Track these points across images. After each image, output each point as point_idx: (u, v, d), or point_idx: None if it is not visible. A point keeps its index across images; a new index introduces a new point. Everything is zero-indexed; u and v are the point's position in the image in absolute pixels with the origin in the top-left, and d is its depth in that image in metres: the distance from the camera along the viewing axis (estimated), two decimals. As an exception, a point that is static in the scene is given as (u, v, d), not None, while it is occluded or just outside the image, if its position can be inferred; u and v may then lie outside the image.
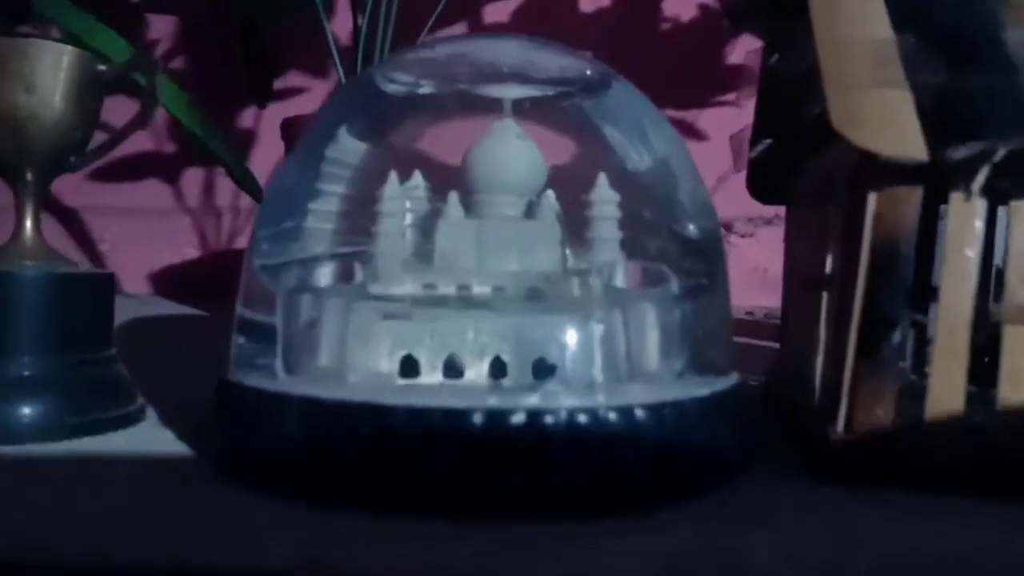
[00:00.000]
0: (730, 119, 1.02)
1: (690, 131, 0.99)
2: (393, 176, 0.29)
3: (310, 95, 1.01)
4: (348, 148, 0.31)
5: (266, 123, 1.03)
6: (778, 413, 0.35)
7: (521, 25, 1.04)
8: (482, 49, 0.32)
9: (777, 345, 0.41)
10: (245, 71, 0.98)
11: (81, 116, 0.31)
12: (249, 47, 0.94)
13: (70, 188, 0.99)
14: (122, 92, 0.39)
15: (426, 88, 0.31)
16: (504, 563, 0.20)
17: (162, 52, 1.03)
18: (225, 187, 1.01)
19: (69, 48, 0.30)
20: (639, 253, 0.29)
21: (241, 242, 1.02)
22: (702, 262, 0.29)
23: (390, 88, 0.31)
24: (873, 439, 0.25)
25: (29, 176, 0.30)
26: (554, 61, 0.32)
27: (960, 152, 0.23)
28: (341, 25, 0.87)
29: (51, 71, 0.29)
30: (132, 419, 0.31)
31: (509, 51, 0.32)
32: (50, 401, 0.29)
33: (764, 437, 0.31)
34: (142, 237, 1.00)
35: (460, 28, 1.02)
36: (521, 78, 0.31)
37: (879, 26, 0.27)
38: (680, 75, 0.99)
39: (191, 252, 1.03)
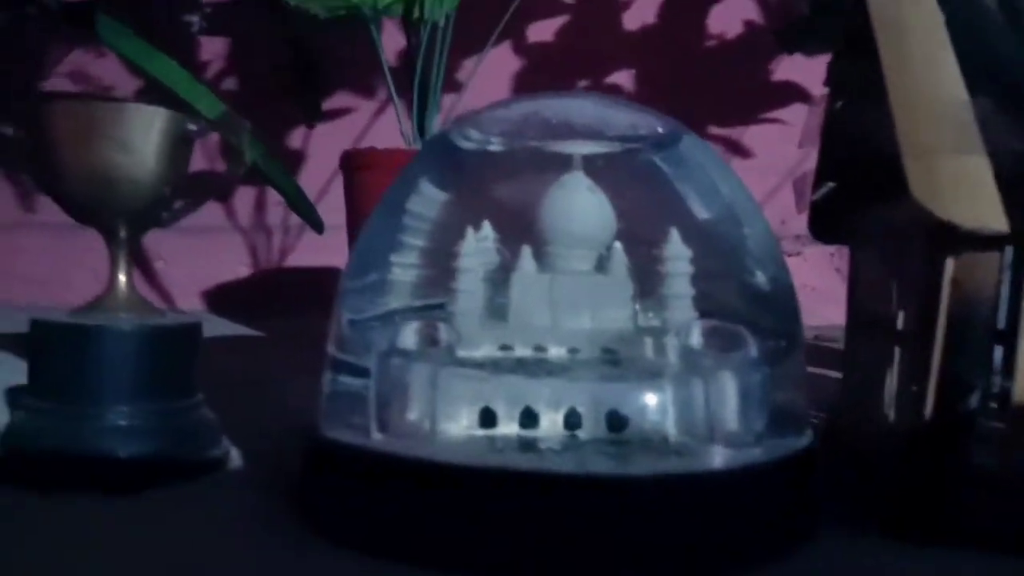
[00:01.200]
0: (775, 136, 1.02)
1: (736, 148, 0.99)
2: (470, 233, 0.30)
3: (358, 114, 1.03)
4: (428, 202, 0.32)
5: (315, 142, 1.05)
6: (841, 455, 0.35)
7: (566, 43, 1.05)
8: (554, 107, 0.33)
9: (832, 373, 0.41)
10: (295, 90, 1.00)
11: (171, 173, 0.32)
12: (299, 67, 0.96)
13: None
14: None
15: (500, 145, 0.32)
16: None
17: (214, 72, 1.05)
18: (276, 206, 1.04)
19: (162, 111, 0.31)
20: (713, 309, 0.29)
21: (292, 259, 1.04)
22: (779, 319, 0.29)
23: (466, 145, 0.32)
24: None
25: (122, 233, 0.32)
26: (625, 118, 0.32)
27: (1043, 223, 0.23)
28: (389, 44, 0.88)
29: (145, 132, 0.31)
30: (218, 463, 0.33)
31: (582, 109, 0.33)
32: (143, 447, 0.31)
33: (833, 485, 0.31)
34: (196, 255, 1.02)
35: (507, 48, 1.03)
36: (593, 135, 0.32)
37: (954, 86, 0.27)
38: (726, 92, 0.99)
39: (243, 270, 1.05)
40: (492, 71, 0.99)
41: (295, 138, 1.06)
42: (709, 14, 1.02)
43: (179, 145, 0.32)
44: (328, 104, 1.04)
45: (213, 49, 1.06)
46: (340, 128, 1.03)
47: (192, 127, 0.32)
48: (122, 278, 0.32)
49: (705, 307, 0.29)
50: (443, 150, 0.33)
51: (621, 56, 1.04)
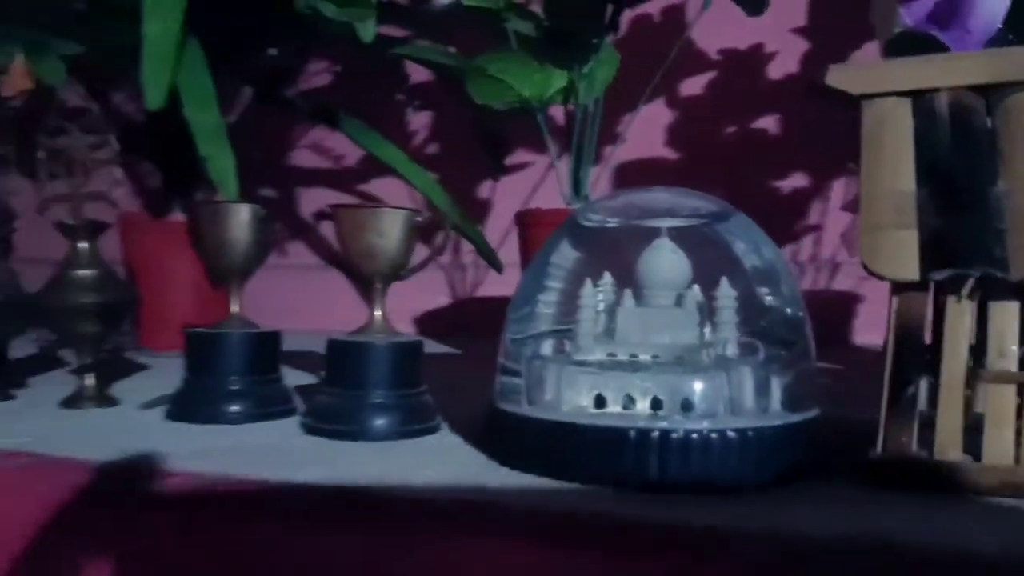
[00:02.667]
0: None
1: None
2: (588, 282, 0.47)
3: (533, 168, 1.22)
4: (563, 261, 0.49)
5: (500, 193, 1.26)
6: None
7: (714, 95, 1.18)
8: (644, 197, 0.49)
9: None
10: (484, 151, 1.22)
11: (408, 247, 0.51)
12: (486, 135, 1.17)
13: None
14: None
15: (611, 223, 0.49)
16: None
17: (421, 139, 1.29)
18: (469, 251, 1.25)
19: (402, 212, 0.51)
20: (753, 330, 0.44)
21: (482, 291, 1.26)
22: (795, 336, 0.43)
23: (588, 223, 0.49)
24: (903, 463, 0.38)
25: (378, 285, 0.52)
26: (692, 203, 0.48)
27: (940, 275, 0.36)
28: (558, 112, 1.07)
29: (392, 225, 0.50)
30: (435, 429, 0.52)
31: (662, 197, 0.48)
32: (391, 417, 0.50)
33: (837, 452, 0.44)
34: (409, 289, 1.26)
35: (661, 103, 1.19)
36: (672, 214, 0.48)
37: (907, 181, 0.40)
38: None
39: (443, 299, 1.28)
40: (648, 123, 1.15)
41: (484, 190, 1.27)
42: (849, 58, 1.11)
43: (411, 230, 0.51)
44: (510, 160, 1.24)
45: (419, 120, 1.30)
46: (520, 180, 1.23)
47: (419, 219, 0.51)
48: (378, 313, 0.52)
49: (746, 328, 0.44)
50: (573, 226, 0.50)
51: (764, 103, 1.16)
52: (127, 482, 0.40)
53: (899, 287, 0.38)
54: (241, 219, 0.55)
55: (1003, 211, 0.37)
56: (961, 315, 0.37)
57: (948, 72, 0.43)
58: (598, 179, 1.15)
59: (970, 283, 0.37)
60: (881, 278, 0.38)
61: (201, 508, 0.37)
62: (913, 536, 0.32)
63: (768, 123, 1.16)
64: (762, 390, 0.41)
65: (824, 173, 1.13)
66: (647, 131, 1.17)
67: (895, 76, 0.43)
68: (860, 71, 0.44)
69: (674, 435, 0.38)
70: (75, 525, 0.39)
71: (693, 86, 1.19)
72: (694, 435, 0.38)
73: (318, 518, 0.36)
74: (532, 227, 0.78)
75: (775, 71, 1.17)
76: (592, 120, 0.82)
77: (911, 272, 0.37)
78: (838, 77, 0.44)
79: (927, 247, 0.37)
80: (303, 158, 1.37)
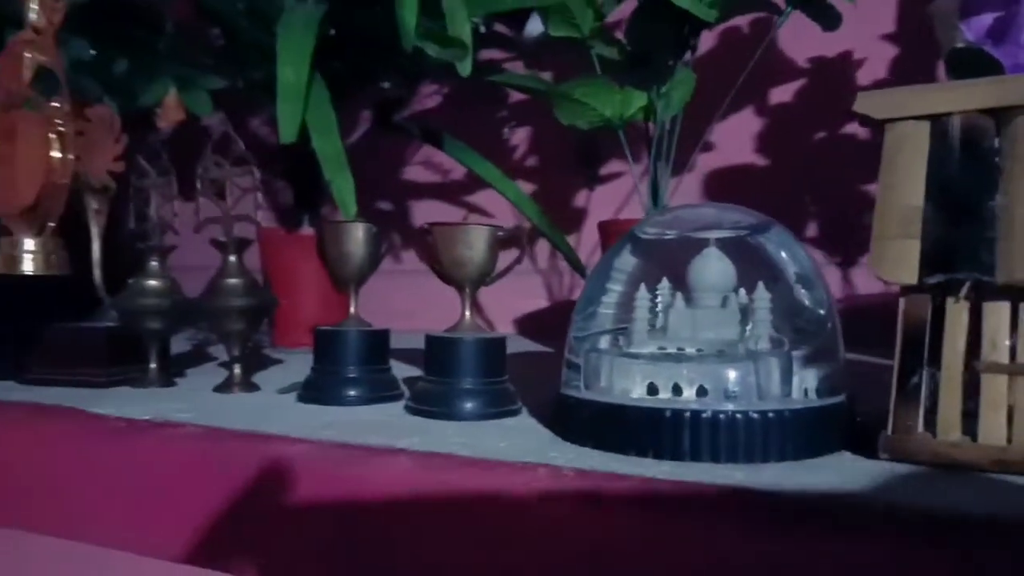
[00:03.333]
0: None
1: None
2: (642, 286, 0.54)
3: (621, 180, 1.29)
4: (624, 267, 0.57)
5: (595, 202, 1.34)
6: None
7: (804, 102, 1.21)
8: (692, 212, 0.56)
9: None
10: (579, 163, 1.30)
11: (492, 257, 0.61)
12: (581, 148, 1.25)
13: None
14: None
15: (667, 234, 0.56)
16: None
17: (521, 154, 1.39)
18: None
19: (486, 228, 0.60)
20: (780, 328, 0.50)
21: (576, 294, 1.34)
22: (819, 332, 0.50)
23: (645, 236, 0.57)
24: (910, 442, 0.44)
25: (467, 289, 0.61)
26: (735, 216, 0.55)
27: (935, 279, 0.42)
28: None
29: (478, 238, 0.60)
30: (516, 412, 0.60)
31: (708, 212, 0.55)
32: (477, 401, 0.59)
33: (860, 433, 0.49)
34: (507, 290, 1.36)
35: (749, 112, 1.23)
36: (717, 226, 0.54)
37: (916, 196, 0.46)
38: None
39: (541, 302, 1.37)
40: (736, 131, 1.20)
41: (580, 200, 1.35)
42: (938, 67, 1.12)
43: (494, 243, 0.60)
44: (604, 171, 1.32)
45: (519, 136, 1.40)
46: (613, 190, 1.30)
47: (500, 233, 0.60)
48: (467, 313, 0.61)
49: (780, 326, 0.51)
50: (632, 237, 0.57)
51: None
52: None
53: (904, 290, 0.44)
54: (357, 236, 0.66)
55: (995, 223, 0.43)
56: (958, 314, 0.43)
57: (962, 97, 0.48)
58: (680, 188, 1.21)
59: (966, 286, 0.42)
60: (886, 282, 0.44)
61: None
62: (914, 500, 0.38)
63: (856, 129, 1.18)
64: (786, 378, 0.48)
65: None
66: (734, 139, 1.22)
67: (915, 102, 0.49)
68: (883, 97, 0.50)
69: (704, 415, 0.46)
70: (225, 483, 0.51)
71: (782, 94, 1.23)
72: (721, 415, 0.45)
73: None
74: (612, 236, 0.86)
75: (864, 77, 1.19)
76: (671, 136, 0.89)
77: (911, 277, 0.43)
78: (864, 103, 0.50)
79: (927, 255, 0.43)
80: (416, 174, 1.49)
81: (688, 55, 0.91)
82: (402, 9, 0.82)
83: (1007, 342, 0.42)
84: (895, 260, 0.44)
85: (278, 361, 0.95)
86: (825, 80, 1.21)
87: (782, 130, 1.23)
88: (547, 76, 1.22)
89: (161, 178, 0.77)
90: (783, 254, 0.53)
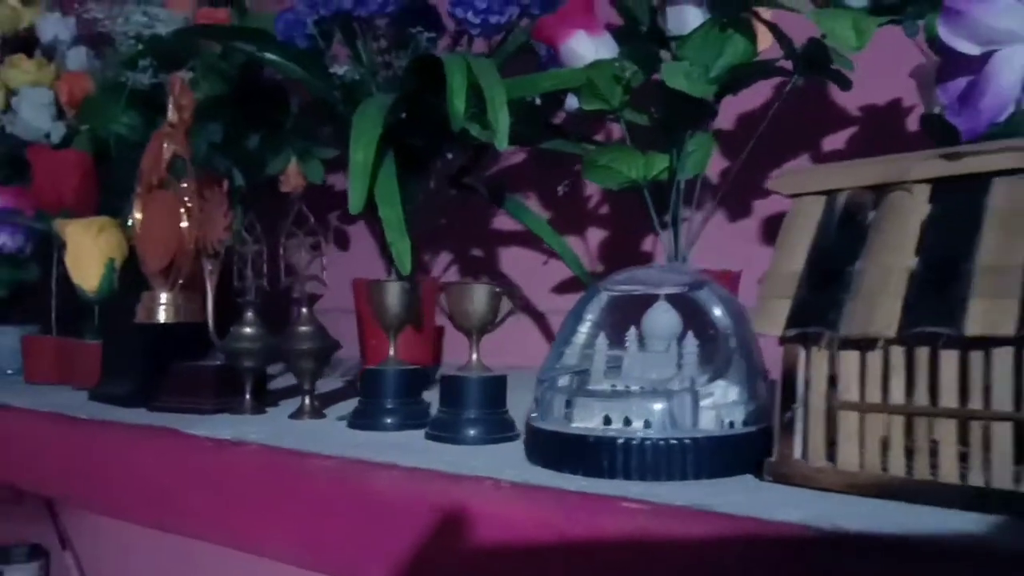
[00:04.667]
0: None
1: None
2: (602, 335, 0.66)
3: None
4: (591, 316, 0.68)
5: (659, 248, 1.43)
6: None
7: (854, 149, 1.26)
8: (643, 272, 0.67)
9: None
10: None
11: (493, 309, 0.74)
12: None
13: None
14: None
15: (624, 290, 0.67)
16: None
17: (587, 207, 1.51)
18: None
19: (485, 287, 0.73)
20: (707, 370, 0.60)
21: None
22: (740, 372, 0.59)
23: (610, 291, 0.68)
24: (787, 467, 0.53)
25: (475, 336, 0.75)
26: (678, 277, 0.65)
27: (791, 332, 0.51)
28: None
29: (479, 295, 0.73)
30: (514, 438, 0.73)
31: (658, 272, 0.66)
32: (480, 429, 0.72)
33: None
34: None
35: (805, 158, 1.29)
36: (665, 284, 0.65)
37: (798, 263, 0.55)
38: None
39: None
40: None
41: (648, 244, 1.46)
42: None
43: (494, 298, 0.74)
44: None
45: (578, 190, 1.52)
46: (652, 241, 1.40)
47: (498, 291, 0.73)
48: (474, 356, 0.75)
49: (707, 366, 0.60)
50: (596, 292, 0.69)
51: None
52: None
53: (782, 341, 0.53)
54: (394, 291, 0.81)
55: (851, 285, 0.51)
56: (820, 361, 0.52)
57: (851, 175, 0.56)
58: (700, 239, 1.29)
59: (825, 338, 0.51)
60: (761, 334, 0.53)
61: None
62: (762, 513, 0.47)
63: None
64: (695, 411, 0.58)
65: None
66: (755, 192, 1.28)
67: (814, 180, 0.58)
68: (792, 176, 0.59)
69: (619, 441, 0.57)
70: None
71: (838, 141, 1.29)
72: (634, 442, 0.56)
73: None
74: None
75: (913, 123, 1.23)
76: (692, 194, 0.99)
77: (777, 330, 0.52)
78: (777, 183, 0.60)
79: (792, 312, 0.52)
80: (501, 223, 1.64)
81: (710, 122, 1.01)
82: (452, 96, 0.98)
83: (856, 385, 0.50)
84: (768, 316, 0.53)
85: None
86: (877, 124, 1.25)
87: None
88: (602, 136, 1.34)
89: (255, 246, 0.96)
90: (716, 308, 0.63)
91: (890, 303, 0.49)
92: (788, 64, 0.96)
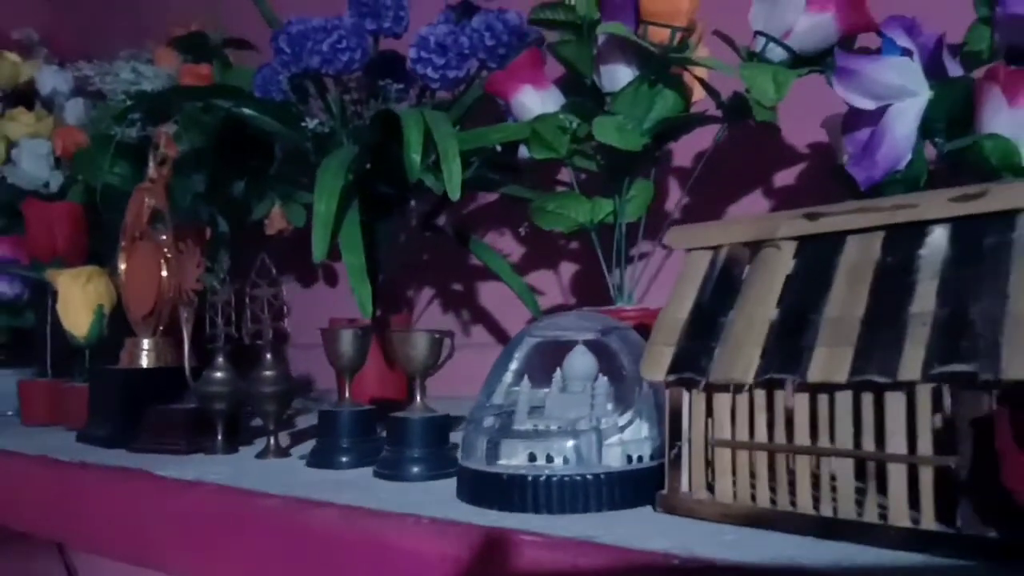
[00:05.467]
0: None
1: None
2: (526, 379, 0.72)
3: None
4: (516, 360, 0.74)
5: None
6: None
7: (801, 184, 1.32)
8: (563, 319, 0.73)
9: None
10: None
11: (433, 354, 0.80)
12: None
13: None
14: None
15: (546, 336, 0.73)
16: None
17: (533, 246, 1.57)
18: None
19: (425, 334, 0.79)
20: (617, 409, 0.66)
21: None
22: (645, 412, 0.65)
23: (533, 337, 0.74)
24: (675, 499, 0.58)
25: (416, 379, 0.81)
26: (593, 323, 0.71)
27: (670, 377, 0.57)
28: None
29: (420, 341, 0.79)
30: (454, 474, 0.78)
31: (576, 319, 0.72)
32: (423, 466, 0.78)
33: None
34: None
35: (757, 193, 1.35)
36: (583, 330, 0.71)
37: (683, 311, 0.61)
38: None
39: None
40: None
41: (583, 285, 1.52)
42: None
43: (433, 344, 0.80)
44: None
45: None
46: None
47: (436, 335, 0.79)
48: (417, 397, 0.81)
49: (617, 406, 0.66)
50: (522, 338, 0.75)
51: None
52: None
53: (667, 384, 0.59)
54: (346, 337, 0.87)
55: (721, 334, 0.57)
56: (699, 402, 0.57)
57: (730, 232, 0.62)
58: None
59: (702, 382, 0.57)
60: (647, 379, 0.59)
61: None
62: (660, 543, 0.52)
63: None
64: (599, 448, 0.63)
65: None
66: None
67: (701, 236, 0.64)
68: (681, 232, 0.66)
69: (540, 478, 0.62)
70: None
71: (786, 177, 1.35)
72: (553, 478, 0.62)
73: None
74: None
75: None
76: (633, 236, 1.05)
77: (660, 376, 0.58)
78: (669, 237, 0.66)
79: (673, 359, 0.58)
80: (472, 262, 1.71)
81: (652, 169, 1.07)
82: (409, 150, 1.05)
83: (728, 424, 0.56)
84: (654, 362, 0.59)
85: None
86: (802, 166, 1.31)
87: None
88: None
89: (224, 294, 1.03)
90: (622, 354, 0.69)
91: (751, 351, 0.54)
92: (718, 113, 1.03)
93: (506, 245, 1.69)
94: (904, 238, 0.53)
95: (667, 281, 1.27)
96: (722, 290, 0.60)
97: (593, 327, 0.72)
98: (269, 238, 1.53)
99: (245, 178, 1.57)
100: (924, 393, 0.47)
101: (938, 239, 0.51)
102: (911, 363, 0.47)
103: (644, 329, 0.96)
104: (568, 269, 1.58)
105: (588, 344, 0.71)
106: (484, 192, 1.51)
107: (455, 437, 0.81)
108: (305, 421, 1.19)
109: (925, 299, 0.49)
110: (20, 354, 1.55)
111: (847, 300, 0.53)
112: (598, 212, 1.06)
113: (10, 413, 1.47)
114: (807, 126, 1.05)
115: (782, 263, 0.58)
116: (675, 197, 1.23)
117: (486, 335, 1.71)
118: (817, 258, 0.56)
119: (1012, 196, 0.49)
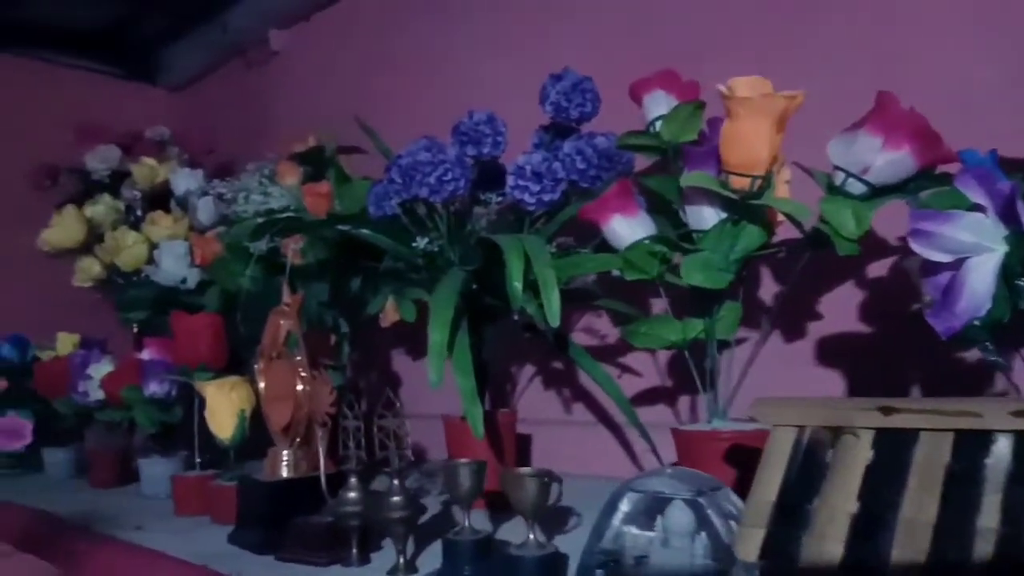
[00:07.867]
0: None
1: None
2: (633, 525, 0.80)
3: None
4: (623, 508, 0.83)
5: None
6: None
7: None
8: (660, 477, 0.81)
9: None
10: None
11: (543, 496, 0.89)
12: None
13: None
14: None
15: (647, 490, 0.82)
16: None
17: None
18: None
19: (536, 479, 0.89)
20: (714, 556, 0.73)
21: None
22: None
23: (635, 492, 0.82)
24: None
25: (529, 520, 0.90)
26: (688, 483, 0.79)
27: (759, 563, 0.64)
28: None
29: (530, 484, 0.89)
30: None
31: (670, 479, 0.80)
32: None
33: None
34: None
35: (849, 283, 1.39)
36: (679, 489, 0.79)
37: (772, 492, 0.68)
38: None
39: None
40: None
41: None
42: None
43: (546, 487, 0.89)
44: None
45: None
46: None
47: (546, 480, 0.89)
48: (531, 535, 0.90)
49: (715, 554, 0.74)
50: (624, 491, 0.83)
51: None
52: None
53: (760, 571, 0.66)
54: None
55: (808, 521, 0.64)
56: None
57: (812, 414, 0.69)
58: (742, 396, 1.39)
59: (791, 569, 0.64)
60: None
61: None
62: None
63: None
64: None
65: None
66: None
67: (787, 414, 0.71)
68: (768, 408, 0.72)
69: None
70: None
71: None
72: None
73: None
74: (679, 442, 1.10)
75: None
76: (724, 356, 1.12)
77: (753, 557, 0.65)
78: (756, 410, 0.73)
79: (763, 543, 0.65)
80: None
81: (739, 291, 1.14)
82: (511, 279, 1.16)
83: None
84: (746, 544, 0.66)
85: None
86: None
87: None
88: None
89: (355, 422, 1.15)
90: (714, 517, 0.76)
91: (834, 547, 0.61)
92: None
93: (603, 326, 1.78)
94: (971, 445, 0.59)
95: (761, 373, 1.33)
96: (807, 473, 0.67)
97: (689, 488, 0.79)
98: (384, 329, 1.67)
99: (361, 275, 1.72)
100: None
101: (1002, 448, 0.57)
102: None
103: (739, 449, 1.03)
104: (664, 353, 1.64)
105: (685, 501, 0.79)
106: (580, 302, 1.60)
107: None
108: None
109: (989, 515, 0.54)
110: (169, 444, 1.74)
111: (920, 502, 0.59)
112: (689, 332, 1.14)
113: (163, 496, 1.65)
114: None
115: (861, 453, 0.64)
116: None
117: (587, 414, 1.80)
118: (893, 451, 0.63)
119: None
